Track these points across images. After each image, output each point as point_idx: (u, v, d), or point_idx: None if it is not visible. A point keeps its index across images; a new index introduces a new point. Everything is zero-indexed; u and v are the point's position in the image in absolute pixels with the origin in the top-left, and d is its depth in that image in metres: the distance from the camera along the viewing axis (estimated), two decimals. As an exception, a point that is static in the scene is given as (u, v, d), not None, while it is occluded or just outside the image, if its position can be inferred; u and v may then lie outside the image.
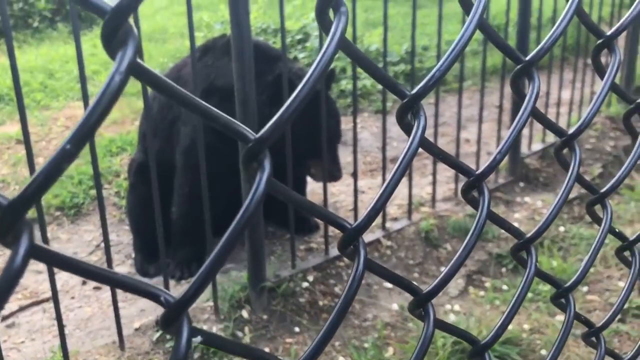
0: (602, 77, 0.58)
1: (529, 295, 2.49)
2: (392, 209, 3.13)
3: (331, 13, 0.39)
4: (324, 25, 0.38)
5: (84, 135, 0.28)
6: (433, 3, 6.14)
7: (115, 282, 0.31)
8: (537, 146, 3.73)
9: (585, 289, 2.57)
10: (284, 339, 2.27)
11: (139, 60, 0.30)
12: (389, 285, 2.64)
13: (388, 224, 2.92)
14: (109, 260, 2.10)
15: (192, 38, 2.10)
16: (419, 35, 3.49)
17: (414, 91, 0.43)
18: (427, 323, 0.46)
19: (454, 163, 0.49)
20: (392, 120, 4.18)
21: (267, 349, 2.21)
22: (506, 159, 3.62)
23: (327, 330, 0.41)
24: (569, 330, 0.62)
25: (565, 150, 0.59)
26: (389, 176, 0.43)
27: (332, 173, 2.71)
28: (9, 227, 0.27)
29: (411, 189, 2.99)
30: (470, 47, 5.75)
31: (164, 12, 8.70)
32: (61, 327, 1.97)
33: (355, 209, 2.79)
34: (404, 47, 5.88)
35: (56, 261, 0.29)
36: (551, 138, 3.83)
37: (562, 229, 2.98)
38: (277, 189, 0.37)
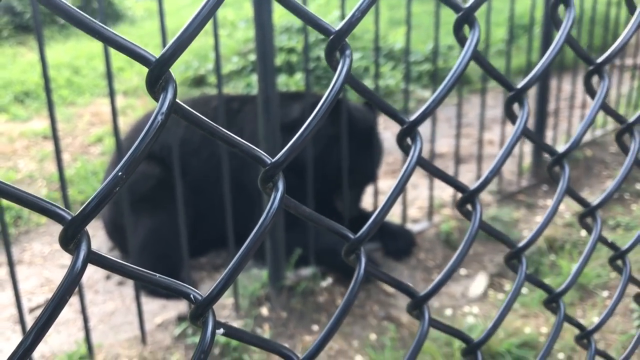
0: (593, 99, 0.63)
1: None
2: (412, 211, 3.17)
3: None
4: (332, 64, 0.44)
5: (134, 163, 0.34)
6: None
7: (155, 282, 0.38)
8: (560, 149, 3.72)
9: (605, 293, 2.58)
10: (303, 337, 2.34)
11: (177, 100, 0.36)
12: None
13: (408, 226, 2.96)
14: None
15: (216, 36, 2.15)
16: (443, 34, 3.49)
17: (411, 119, 0.49)
18: (423, 322, 0.52)
19: (450, 180, 0.55)
20: (414, 121, 4.21)
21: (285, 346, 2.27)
22: (530, 161, 3.63)
23: (328, 329, 0.47)
24: (558, 333, 0.67)
25: (557, 168, 0.64)
26: (388, 193, 0.49)
27: (351, 210, 2.74)
28: (71, 237, 0.34)
29: (432, 191, 3.02)
30: (496, 47, 5.70)
31: (188, 9, 8.84)
32: (86, 320, 2.05)
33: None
34: (428, 46, 5.87)
35: (108, 265, 0.36)
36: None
37: (583, 233, 2.99)
38: (289, 205, 0.43)
